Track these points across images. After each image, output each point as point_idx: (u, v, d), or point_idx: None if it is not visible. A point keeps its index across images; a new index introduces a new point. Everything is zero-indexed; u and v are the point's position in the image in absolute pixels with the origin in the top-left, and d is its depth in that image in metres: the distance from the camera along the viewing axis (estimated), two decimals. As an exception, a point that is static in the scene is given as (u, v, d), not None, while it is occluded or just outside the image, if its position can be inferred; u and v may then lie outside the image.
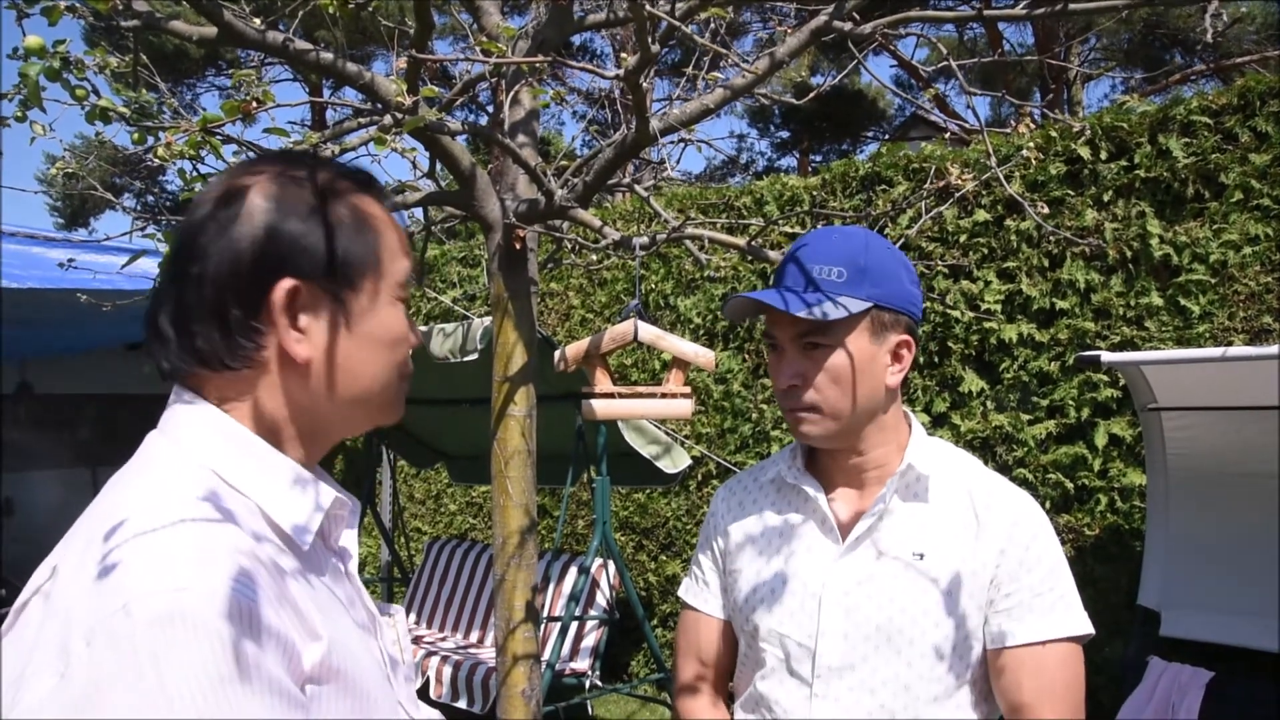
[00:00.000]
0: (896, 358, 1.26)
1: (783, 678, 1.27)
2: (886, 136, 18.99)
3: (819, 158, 20.42)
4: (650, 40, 1.15)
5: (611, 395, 1.66)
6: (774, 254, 1.83)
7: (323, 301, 0.85)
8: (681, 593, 1.47)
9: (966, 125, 2.95)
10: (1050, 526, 1.27)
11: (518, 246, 1.80)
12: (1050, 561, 1.23)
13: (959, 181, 1.84)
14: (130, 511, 0.75)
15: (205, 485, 0.79)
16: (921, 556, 1.23)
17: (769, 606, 1.29)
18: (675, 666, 1.45)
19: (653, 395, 1.65)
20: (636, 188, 2.14)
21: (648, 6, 1.00)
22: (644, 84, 1.55)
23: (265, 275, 0.82)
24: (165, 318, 0.84)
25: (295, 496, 0.85)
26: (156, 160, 1.47)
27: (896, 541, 1.25)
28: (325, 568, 0.89)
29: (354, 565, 0.95)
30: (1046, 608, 1.21)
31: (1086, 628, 1.23)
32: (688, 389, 1.66)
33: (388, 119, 1.40)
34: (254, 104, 1.32)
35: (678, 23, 1.07)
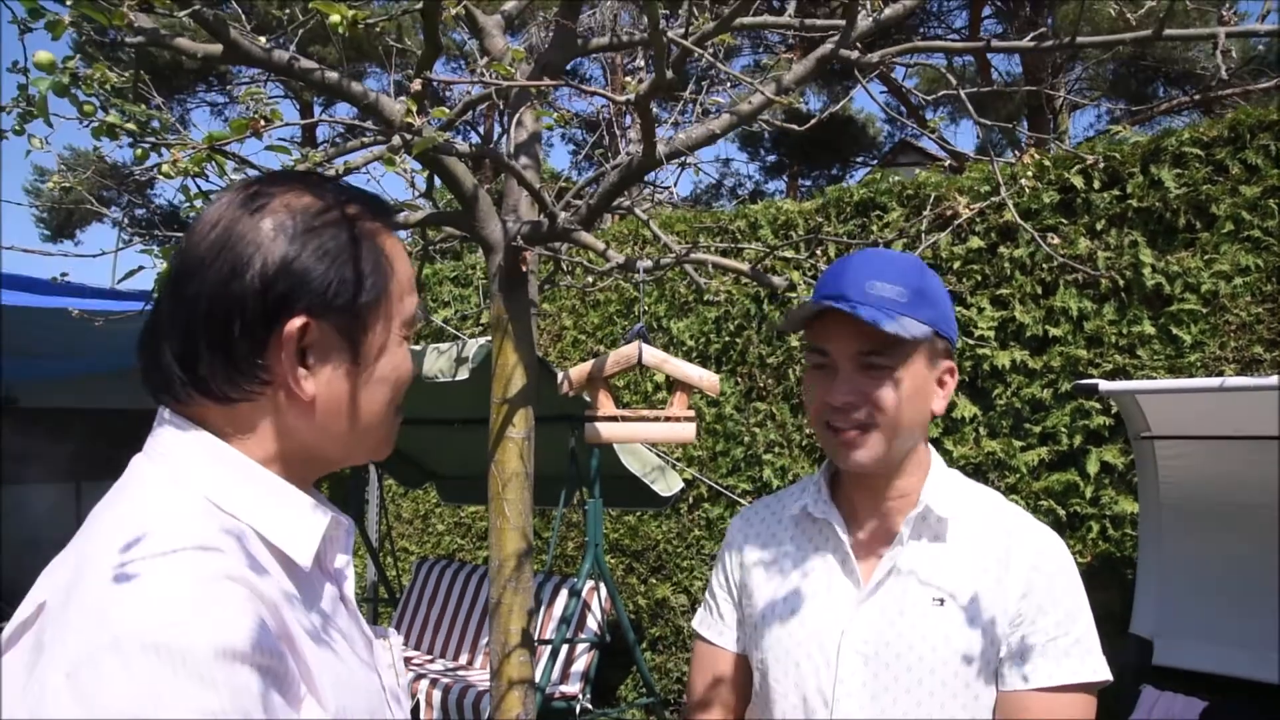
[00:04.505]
0: (941, 384, 1.24)
1: None
2: (875, 162, 19.13)
3: (808, 182, 20.56)
4: (665, 65, 1.15)
5: (615, 418, 1.65)
6: (777, 279, 1.83)
7: (332, 340, 0.82)
8: (695, 624, 1.43)
9: (961, 153, 2.98)
10: (1073, 566, 1.23)
11: (524, 268, 1.79)
12: (1070, 605, 1.19)
13: (965, 210, 1.84)
14: (119, 541, 0.72)
15: (199, 512, 0.77)
16: (942, 602, 1.19)
17: (786, 649, 1.25)
18: (688, 697, 1.42)
19: (657, 419, 1.64)
20: (637, 211, 2.14)
21: (667, 33, 1.00)
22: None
23: (275, 311, 0.79)
24: (168, 350, 0.80)
25: (292, 520, 0.83)
26: (160, 176, 1.46)
27: (916, 587, 1.21)
28: (322, 592, 0.86)
29: (350, 588, 0.92)
30: (1061, 652, 1.17)
31: (1103, 674, 1.18)
32: (691, 412, 1.66)
33: (396, 140, 1.39)
34: (262, 121, 1.31)
35: (696, 48, 1.07)
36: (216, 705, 0.65)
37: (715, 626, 1.39)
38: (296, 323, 0.80)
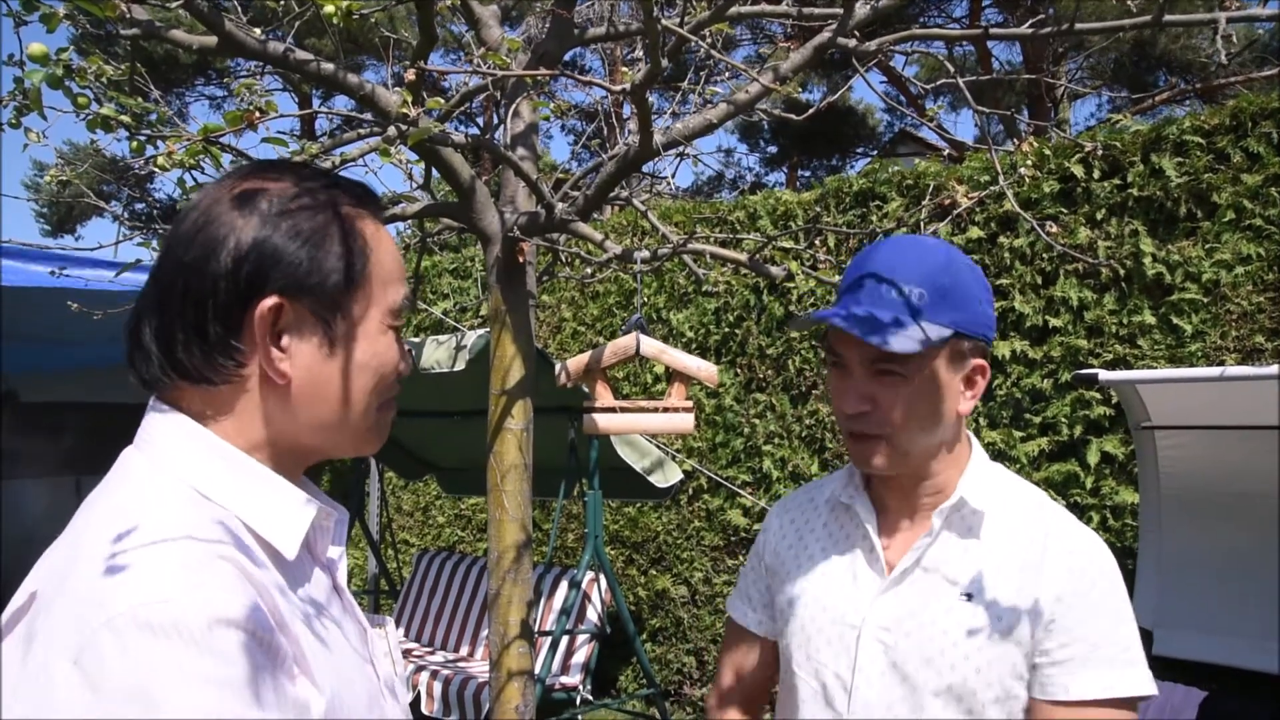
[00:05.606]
0: (970, 383, 1.18)
1: (818, 710, 1.22)
2: (875, 152, 19.09)
3: (807, 173, 20.52)
4: (660, 54, 1.14)
5: (613, 409, 1.65)
6: (775, 269, 1.82)
7: (308, 322, 0.82)
8: (728, 604, 1.44)
9: (961, 142, 2.97)
10: (1116, 571, 1.17)
11: (521, 259, 1.78)
12: (1111, 612, 1.13)
13: (965, 200, 1.84)
14: (111, 531, 0.73)
15: (186, 502, 0.77)
16: (970, 598, 1.15)
17: (808, 634, 1.24)
18: (715, 677, 1.43)
19: (655, 410, 1.64)
20: (635, 202, 2.13)
21: (661, 21, 0.99)
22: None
23: (247, 292, 0.80)
24: (148, 329, 0.82)
25: (276, 508, 0.83)
26: (156, 169, 1.45)
27: (944, 580, 1.17)
28: (313, 582, 0.86)
29: (343, 577, 0.93)
30: (1104, 662, 1.11)
31: (1147, 688, 1.11)
32: (689, 404, 1.66)
33: (391, 130, 1.39)
34: (257, 113, 1.30)
35: (692, 37, 1.06)
36: (216, 672, 0.66)
37: (743, 609, 1.40)
38: (269, 303, 0.80)
